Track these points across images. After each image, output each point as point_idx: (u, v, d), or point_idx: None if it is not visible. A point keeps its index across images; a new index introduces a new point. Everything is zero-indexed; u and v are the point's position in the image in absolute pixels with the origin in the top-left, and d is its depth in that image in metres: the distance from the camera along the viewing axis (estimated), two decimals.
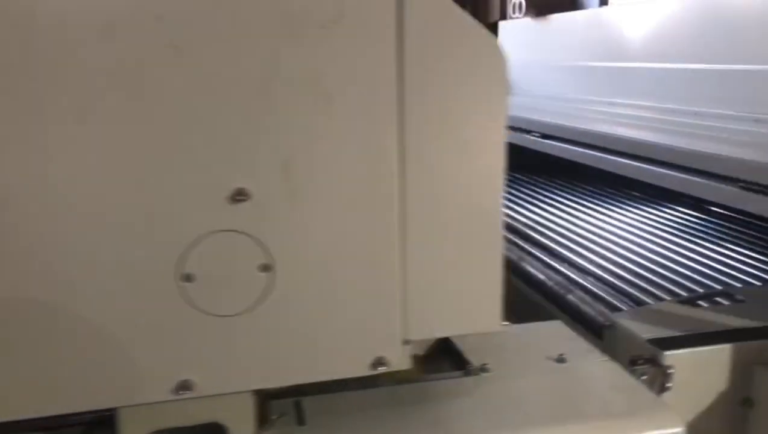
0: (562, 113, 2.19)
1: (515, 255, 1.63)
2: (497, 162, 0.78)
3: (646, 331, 1.06)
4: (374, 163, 0.74)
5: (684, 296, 1.28)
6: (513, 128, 2.27)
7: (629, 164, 1.66)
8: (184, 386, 0.73)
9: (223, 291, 0.72)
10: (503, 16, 2.98)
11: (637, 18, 2.01)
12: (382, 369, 0.79)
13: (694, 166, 1.39)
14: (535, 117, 2.17)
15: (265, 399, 0.86)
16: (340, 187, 0.73)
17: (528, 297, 1.48)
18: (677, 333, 1.06)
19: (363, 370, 0.79)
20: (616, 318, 1.13)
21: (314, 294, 0.75)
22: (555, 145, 1.96)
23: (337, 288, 0.75)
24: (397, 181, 0.75)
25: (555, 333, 1.12)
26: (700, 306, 1.18)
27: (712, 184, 1.33)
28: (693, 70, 1.72)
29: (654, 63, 1.87)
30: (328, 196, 0.73)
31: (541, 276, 1.48)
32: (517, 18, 2.83)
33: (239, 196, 0.70)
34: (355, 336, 0.77)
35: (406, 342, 0.80)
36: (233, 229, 0.71)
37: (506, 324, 1.23)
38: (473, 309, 0.81)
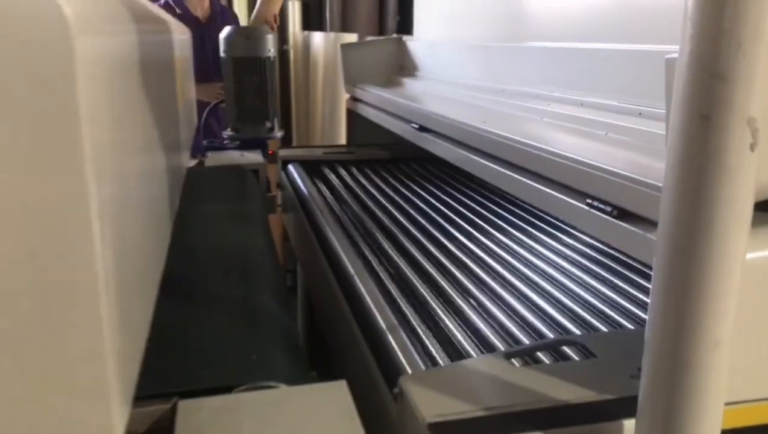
0: (449, 99, 1.89)
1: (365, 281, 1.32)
2: (74, 174, 0.48)
3: (433, 407, 0.76)
4: None
5: (513, 348, 0.98)
6: (397, 116, 1.97)
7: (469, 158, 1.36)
8: None
9: None
10: None
11: None
12: None
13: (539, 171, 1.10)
14: (418, 105, 1.86)
15: None
16: None
17: (354, 337, 1.17)
18: (478, 413, 0.77)
19: None
20: (406, 383, 0.82)
21: None
22: (428, 138, 1.65)
23: None
24: None
25: (322, 405, 0.82)
26: (525, 362, 0.89)
27: (560, 197, 1.04)
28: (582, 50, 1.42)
29: (550, 42, 1.57)
30: None
31: (374, 311, 1.17)
32: None
33: None
34: None
35: None
36: None
37: (276, 386, 0.93)
38: (49, 413, 0.50)
